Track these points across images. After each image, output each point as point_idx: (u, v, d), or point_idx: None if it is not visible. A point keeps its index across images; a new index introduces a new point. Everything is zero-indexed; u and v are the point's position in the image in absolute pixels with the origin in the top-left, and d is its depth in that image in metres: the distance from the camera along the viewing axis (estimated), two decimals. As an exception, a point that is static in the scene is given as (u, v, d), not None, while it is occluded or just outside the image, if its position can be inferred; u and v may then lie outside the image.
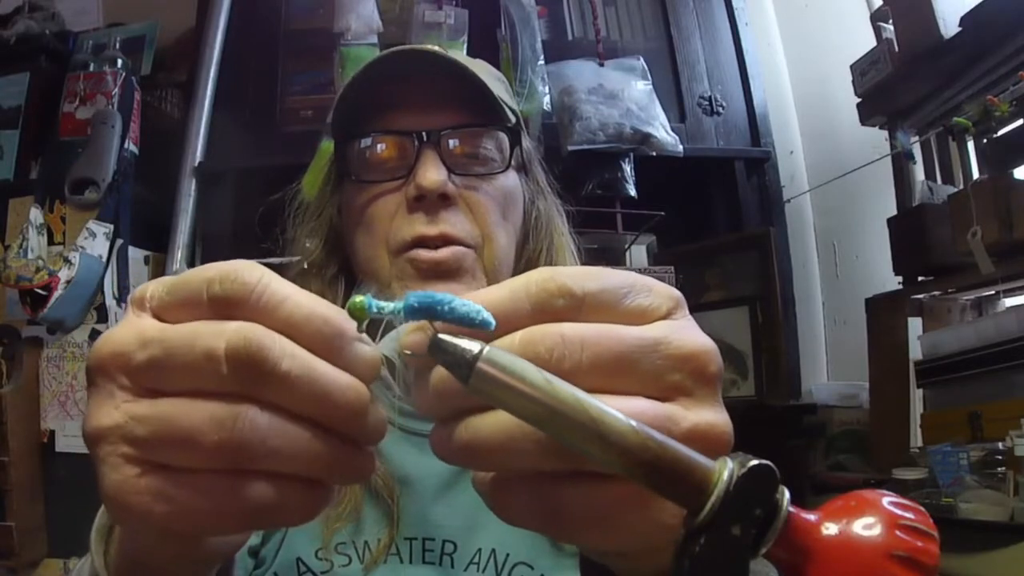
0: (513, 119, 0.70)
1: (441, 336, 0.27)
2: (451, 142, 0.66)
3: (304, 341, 0.29)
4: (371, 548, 0.61)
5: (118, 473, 0.29)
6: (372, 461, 0.33)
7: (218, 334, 0.28)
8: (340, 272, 0.70)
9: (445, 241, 0.63)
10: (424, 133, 0.65)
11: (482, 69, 0.72)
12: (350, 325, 0.30)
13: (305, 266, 0.70)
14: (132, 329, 0.30)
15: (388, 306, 0.30)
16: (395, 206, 0.65)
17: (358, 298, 0.31)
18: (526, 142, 0.74)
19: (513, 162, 0.70)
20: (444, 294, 0.29)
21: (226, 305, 0.29)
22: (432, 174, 0.63)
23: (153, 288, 0.32)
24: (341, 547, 0.61)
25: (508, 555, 0.62)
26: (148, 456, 0.29)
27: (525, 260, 0.71)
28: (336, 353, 0.30)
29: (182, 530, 0.30)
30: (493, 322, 0.29)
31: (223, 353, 0.28)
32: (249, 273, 0.29)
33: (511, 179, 0.70)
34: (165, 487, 0.29)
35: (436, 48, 0.69)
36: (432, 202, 0.63)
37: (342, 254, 0.71)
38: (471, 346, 0.26)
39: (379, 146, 0.68)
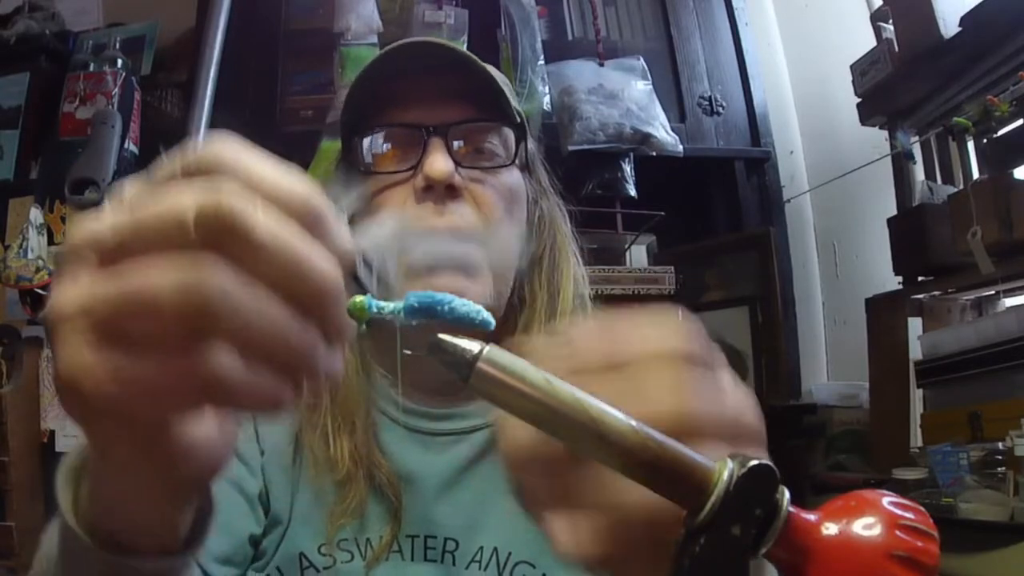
0: (518, 118, 0.71)
1: (441, 336, 0.27)
2: (458, 135, 0.67)
3: (286, 213, 0.27)
4: (373, 545, 0.62)
5: (74, 355, 0.26)
6: (341, 363, 0.30)
7: (193, 196, 0.26)
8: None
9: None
10: (432, 126, 0.65)
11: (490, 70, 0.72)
12: (330, 212, 0.29)
13: None
14: (107, 213, 0.28)
15: (388, 306, 0.30)
16: (403, 197, 0.65)
17: (358, 298, 0.31)
18: (530, 141, 0.75)
19: (517, 160, 0.70)
20: (444, 294, 0.29)
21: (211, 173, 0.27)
22: (440, 164, 0.63)
23: (132, 187, 0.29)
24: (344, 543, 0.61)
25: (510, 554, 0.62)
26: (107, 333, 0.26)
27: (528, 258, 0.71)
28: (313, 226, 0.28)
29: (138, 412, 0.27)
30: (492, 322, 0.29)
31: (193, 213, 0.26)
32: (224, 144, 0.28)
33: (515, 176, 0.70)
34: (121, 363, 0.26)
35: (444, 41, 0.69)
36: (440, 193, 0.64)
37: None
38: (471, 346, 0.26)
39: (388, 139, 0.68)
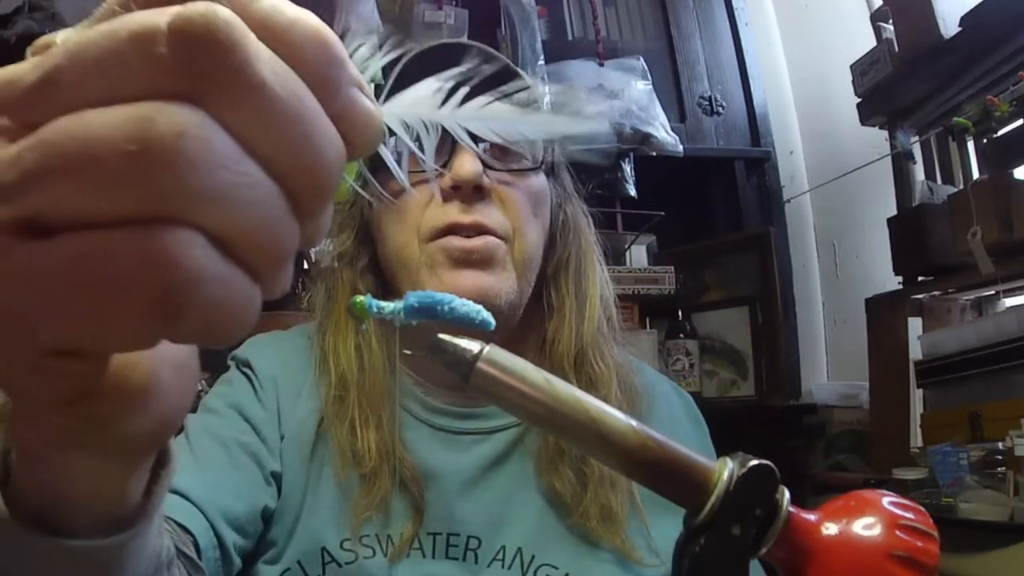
0: None
1: (441, 336, 0.27)
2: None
3: (291, 62, 0.19)
4: (395, 541, 0.62)
5: None
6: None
7: (159, 12, 0.18)
8: (371, 263, 0.71)
9: (478, 230, 0.63)
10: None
11: None
12: (350, 62, 0.21)
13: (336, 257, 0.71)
14: (26, 62, 0.19)
15: (388, 306, 0.30)
16: (429, 196, 0.65)
17: (358, 298, 0.31)
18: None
19: (543, 164, 0.70)
20: (444, 294, 0.29)
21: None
22: (469, 165, 0.63)
23: (68, 31, 0.21)
24: (366, 539, 0.61)
25: (534, 556, 0.62)
26: (20, 211, 0.18)
27: (555, 263, 0.71)
28: (327, 90, 0.20)
29: (66, 336, 0.18)
30: (493, 322, 0.29)
31: (164, 29, 0.17)
32: None
33: (541, 179, 0.70)
34: (32, 261, 0.17)
35: (477, 43, 0.69)
36: (467, 192, 0.64)
37: (373, 246, 0.71)
38: (471, 346, 0.27)
39: (415, 139, 0.68)
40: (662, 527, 0.64)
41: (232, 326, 0.19)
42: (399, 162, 0.26)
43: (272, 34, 0.19)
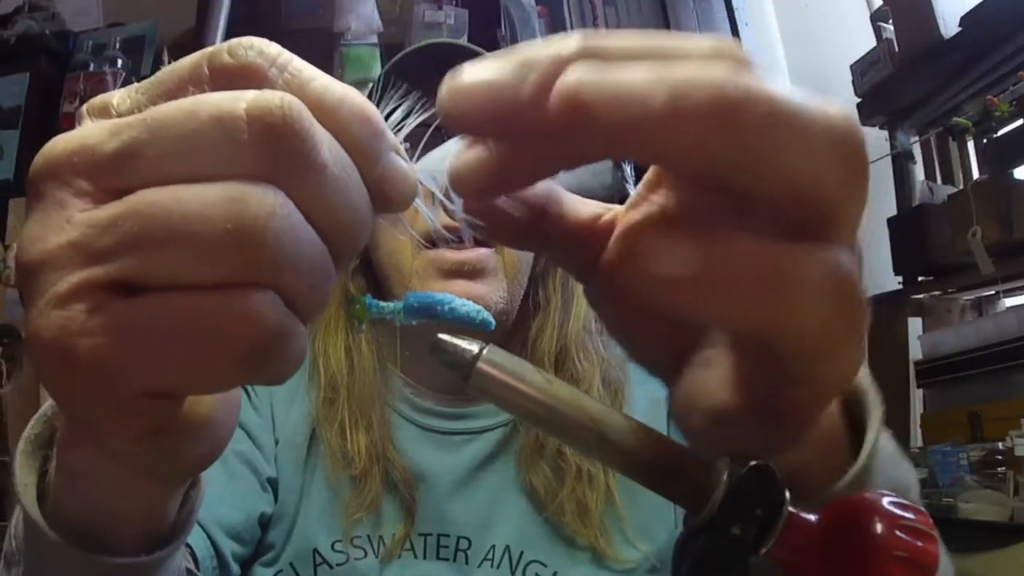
0: None
1: (441, 336, 0.27)
2: None
3: (340, 138, 0.21)
4: (386, 542, 0.62)
5: (60, 311, 0.20)
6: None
7: (235, 98, 0.20)
8: (362, 265, 0.71)
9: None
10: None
11: None
12: (388, 130, 0.23)
13: None
14: (96, 125, 0.21)
15: (388, 306, 0.30)
16: (420, 200, 0.65)
17: (358, 298, 0.31)
18: None
19: None
20: (444, 294, 0.29)
21: (238, 78, 0.21)
22: None
23: (121, 93, 0.22)
24: (357, 540, 0.61)
25: (522, 553, 0.63)
26: (116, 273, 0.19)
27: (544, 262, 0.71)
28: (370, 159, 0.22)
29: (160, 383, 0.21)
30: (493, 322, 0.29)
31: (244, 115, 0.19)
32: (267, 44, 0.21)
33: None
34: (130, 317, 0.19)
35: (465, 43, 0.69)
36: None
37: (364, 249, 0.71)
38: (471, 346, 0.26)
39: (407, 139, 0.68)
40: (640, 519, 0.64)
41: (292, 368, 0.22)
42: None
43: (323, 113, 0.21)
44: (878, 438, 0.32)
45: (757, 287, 0.19)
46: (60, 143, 0.21)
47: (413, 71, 0.68)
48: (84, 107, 0.23)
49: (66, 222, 0.20)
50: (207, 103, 0.20)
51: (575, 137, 0.19)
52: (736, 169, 0.19)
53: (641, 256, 0.20)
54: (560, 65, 0.19)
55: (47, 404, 0.32)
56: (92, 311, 0.19)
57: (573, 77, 0.18)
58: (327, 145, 0.20)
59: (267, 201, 0.19)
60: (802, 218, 0.20)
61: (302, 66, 0.22)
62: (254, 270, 0.19)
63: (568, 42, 0.19)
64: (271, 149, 0.20)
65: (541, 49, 0.19)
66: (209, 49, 0.21)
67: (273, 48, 0.21)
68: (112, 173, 0.20)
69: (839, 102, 0.19)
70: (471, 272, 0.63)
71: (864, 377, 0.33)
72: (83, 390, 0.21)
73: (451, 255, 0.62)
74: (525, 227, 0.25)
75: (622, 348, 0.28)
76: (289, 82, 0.21)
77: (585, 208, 0.26)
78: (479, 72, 0.20)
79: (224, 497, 0.58)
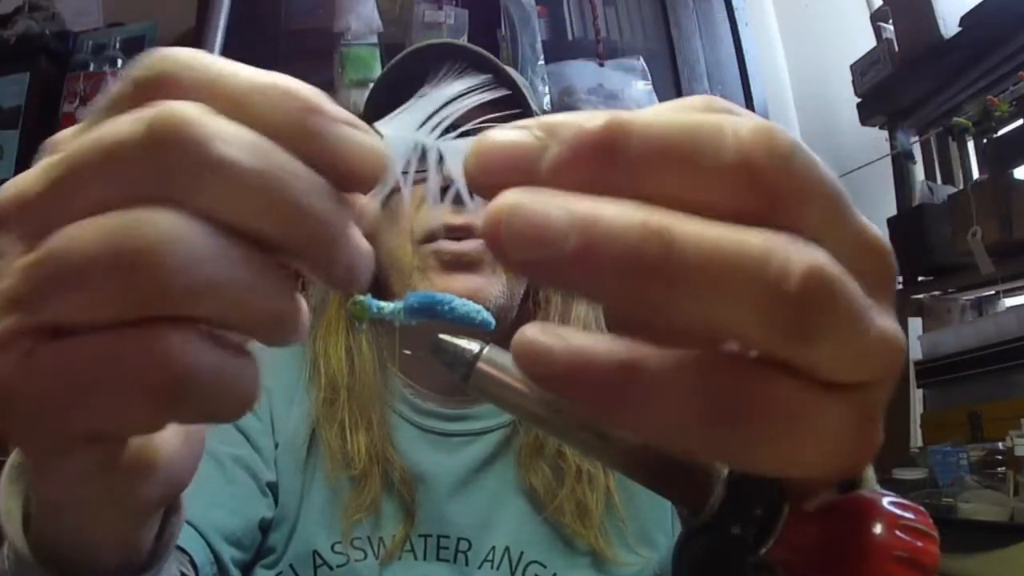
0: None
1: (441, 336, 0.27)
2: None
3: (262, 126, 0.20)
4: (386, 544, 0.62)
5: (3, 357, 0.20)
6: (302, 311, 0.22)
7: (133, 120, 0.19)
8: None
9: (470, 232, 0.63)
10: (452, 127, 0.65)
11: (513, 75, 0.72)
12: (329, 104, 0.21)
13: None
14: (36, 167, 0.21)
15: (388, 306, 0.30)
16: (420, 198, 0.65)
17: (359, 297, 0.31)
18: None
19: None
20: (444, 294, 0.29)
21: (157, 92, 0.20)
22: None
23: (72, 129, 0.22)
24: (357, 542, 0.61)
25: (522, 553, 0.63)
26: (37, 319, 0.20)
27: None
28: (307, 138, 0.20)
29: (90, 424, 0.21)
30: (493, 322, 0.29)
31: (130, 134, 0.19)
32: (185, 52, 0.21)
33: None
34: (61, 359, 0.20)
35: (467, 44, 0.69)
36: (457, 193, 0.64)
37: None
38: (471, 346, 0.26)
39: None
40: (639, 523, 0.64)
41: (231, 404, 0.21)
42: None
43: (232, 104, 0.20)
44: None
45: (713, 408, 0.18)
46: (6, 190, 0.21)
47: (413, 71, 0.69)
48: (44, 144, 0.23)
49: (4, 270, 0.20)
50: (106, 130, 0.19)
51: (497, 254, 0.18)
52: (652, 313, 0.18)
53: None
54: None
55: None
56: (25, 355, 0.20)
57: (496, 205, 0.18)
58: (232, 141, 0.19)
59: (156, 226, 0.18)
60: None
61: (211, 64, 0.20)
62: (156, 303, 0.18)
63: (593, 121, 0.18)
64: (159, 163, 0.18)
65: (566, 124, 0.19)
66: (133, 68, 0.21)
67: (185, 54, 0.20)
68: (41, 216, 0.20)
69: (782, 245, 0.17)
70: (470, 264, 0.63)
71: None
72: (27, 431, 0.21)
73: (450, 246, 0.62)
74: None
75: None
76: (197, 83, 0.20)
77: None
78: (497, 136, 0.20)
79: (222, 503, 0.58)
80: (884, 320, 0.20)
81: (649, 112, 0.19)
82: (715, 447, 0.19)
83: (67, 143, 0.21)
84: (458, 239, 0.63)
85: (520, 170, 0.19)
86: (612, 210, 0.17)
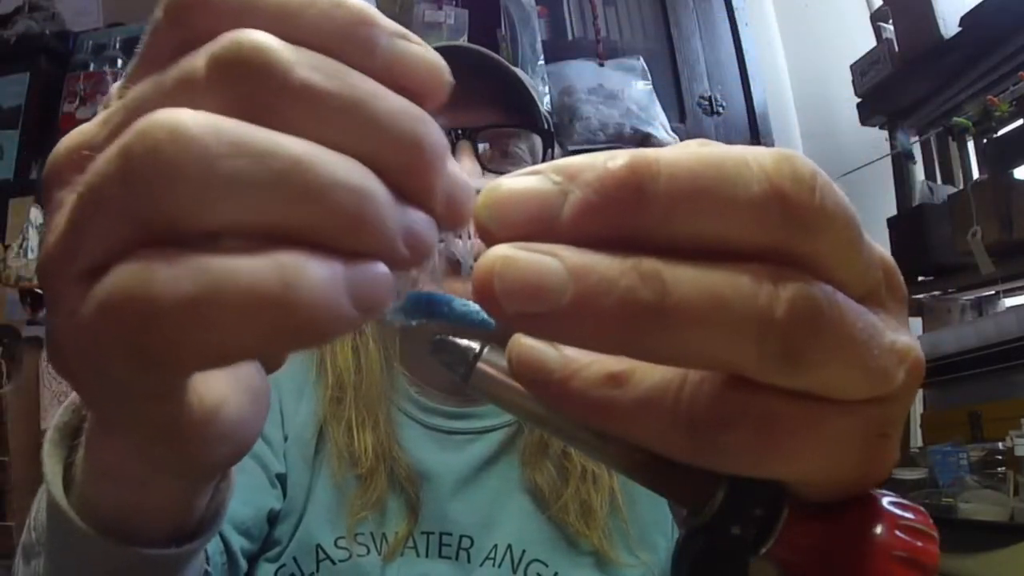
0: (546, 124, 0.71)
1: (441, 336, 0.27)
2: (486, 140, 0.67)
3: (317, 44, 0.18)
4: (389, 540, 0.62)
5: (126, 267, 0.17)
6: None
7: (198, 55, 0.18)
8: None
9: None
10: (460, 129, 0.65)
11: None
12: (380, 15, 0.20)
13: None
14: (93, 119, 0.20)
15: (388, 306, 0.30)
16: None
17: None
18: (556, 148, 0.75)
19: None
20: (444, 294, 0.29)
21: (196, 19, 0.19)
22: (468, 166, 0.63)
23: (121, 81, 0.21)
24: (360, 537, 0.62)
25: (524, 552, 0.63)
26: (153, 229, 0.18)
27: None
28: (367, 52, 0.19)
29: (201, 346, 0.17)
30: (493, 322, 0.29)
31: (204, 70, 0.17)
32: None
33: None
34: (193, 270, 0.17)
35: (479, 47, 0.69)
36: None
37: None
38: (471, 346, 0.26)
39: None
40: (639, 527, 0.64)
41: (340, 322, 0.18)
42: None
43: (282, 23, 0.18)
44: None
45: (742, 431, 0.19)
46: (61, 143, 0.20)
47: None
48: (108, 95, 0.21)
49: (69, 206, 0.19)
50: (169, 75, 0.18)
51: (490, 311, 0.18)
52: (649, 357, 0.19)
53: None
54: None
55: (76, 394, 0.31)
56: (150, 263, 0.17)
57: (487, 261, 0.18)
58: (301, 63, 0.18)
59: (291, 144, 0.17)
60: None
61: None
62: (288, 215, 0.17)
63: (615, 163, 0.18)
64: (236, 93, 0.17)
65: (587, 168, 0.18)
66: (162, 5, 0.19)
67: None
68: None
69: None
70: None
71: None
72: (129, 361, 0.18)
73: (454, 250, 0.62)
74: None
75: None
76: (240, 4, 0.18)
77: None
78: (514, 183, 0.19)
79: (234, 493, 0.58)
80: (898, 336, 0.20)
81: (668, 151, 0.18)
82: (704, 454, 0.20)
83: (125, 95, 0.20)
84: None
85: (540, 220, 0.18)
86: (603, 259, 0.17)
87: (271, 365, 0.28)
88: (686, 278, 0.17)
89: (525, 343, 0.19)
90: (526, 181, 0.19)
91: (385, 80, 0.19)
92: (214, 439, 0.24)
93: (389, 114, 0.19)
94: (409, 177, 0.19)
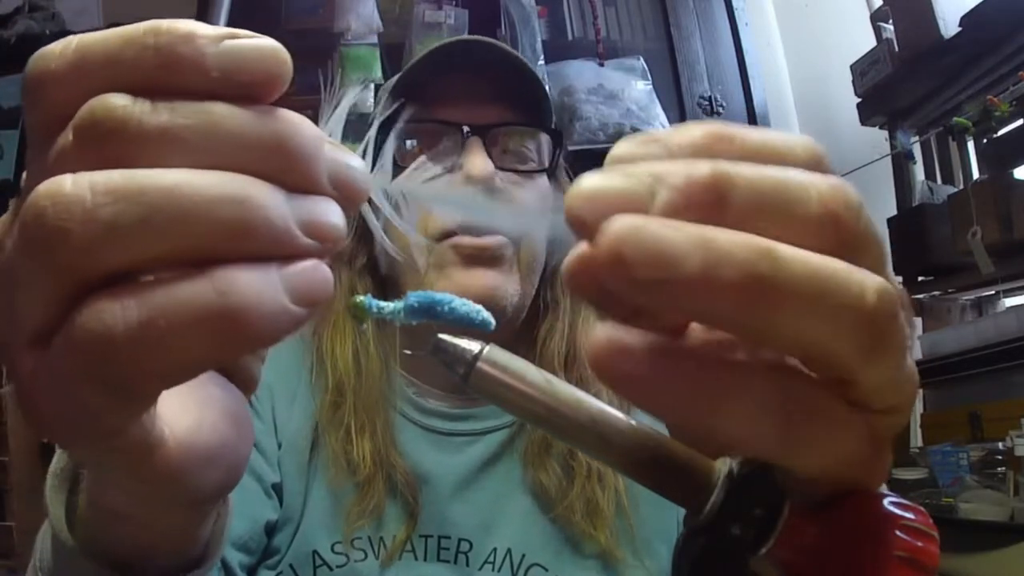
0: (555, 123, 0.71)
1: (441, 336, 0.27)
2: (496, 138, 0.67)
3: (148, 75, 0.20)
4: (387, 544, 0.62)
5: (100, 307, 0.19)
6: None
7: (66, 131, 0.21)
8: (369, 262, 0.70)
9: (490, 230, 0.63)
10: (472, 126, 0.65)
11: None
12: (202, 27, 0.21)
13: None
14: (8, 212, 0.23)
15: (388, 306, 0.30)
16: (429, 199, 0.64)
17: (358, 298, 0.31)
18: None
19: (551, 166, 0.70)
20: (444, 294, 0.29)
21: (45, 92, 0.22)
22: (481, 163, 0.63)
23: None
24: (358, 542, 0.61)
25: (524, 555, 0.62)
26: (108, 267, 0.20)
27: (554, 263, 0.71)
28: (198, 68, 0.20)
29: (160, 367, 0.20)
30: (493, 322, 0.29)
31: (72, 141, 0.20)
32: (50, 47, 0.22)
33: (545, 182, 0.70)
34: (148, 303, 0.19)
35: (493, 40, 0.69)
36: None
37: (371, 245, 0.70)
38: (471, 346, 0.26)
39: (425, 135, 0.67)
40: (642, 531, 0.64)
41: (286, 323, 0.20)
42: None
43: (117, 72, 0.21)
44: None
45: (748, 415, 0.20)
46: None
47: (433, 68, 0.68)
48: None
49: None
50: (48, 155, 0.21)
51: (616, 280, 0.19)
52: (757, 334, 0.20)
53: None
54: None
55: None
56: (111, 301, 0.19)
57: (618, 227, 0.19)
58: (149, 111, 0.19)
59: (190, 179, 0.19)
60: (821, 375, 0.21)
61: (74, 41, 0.21)
62: (220, 245, 0.19)
63: (699, 168, 0.20)
64: (104, 155, 0.19)
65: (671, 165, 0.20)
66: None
67: (50, 48, 0.21)
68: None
69: (877, 275, 0.20)
70: (491, 260, 0.63)
71: None
72: (97, 395, 0.20)
73: (470, 241, 0.62)
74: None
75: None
76: (74, 63, 0.21)
77: None
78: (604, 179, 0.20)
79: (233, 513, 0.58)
80: (911, 357, 0.23)
81: (746, 167, 0.20)
82: (761, 441, 0.21)
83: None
84: (478, 234, 0.63)
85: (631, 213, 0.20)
86: (723, 233, 0.19)
87: (244, 382, 0.29)
88: (796, 256, 0.19)
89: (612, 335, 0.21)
90: (619, 178, 0.20)
91: (226, 85, 0.20)
92: (198, 464, 0.25)
93: (243, 127, 0.20)
94: (287, 175, 0.20)
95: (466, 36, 0.70)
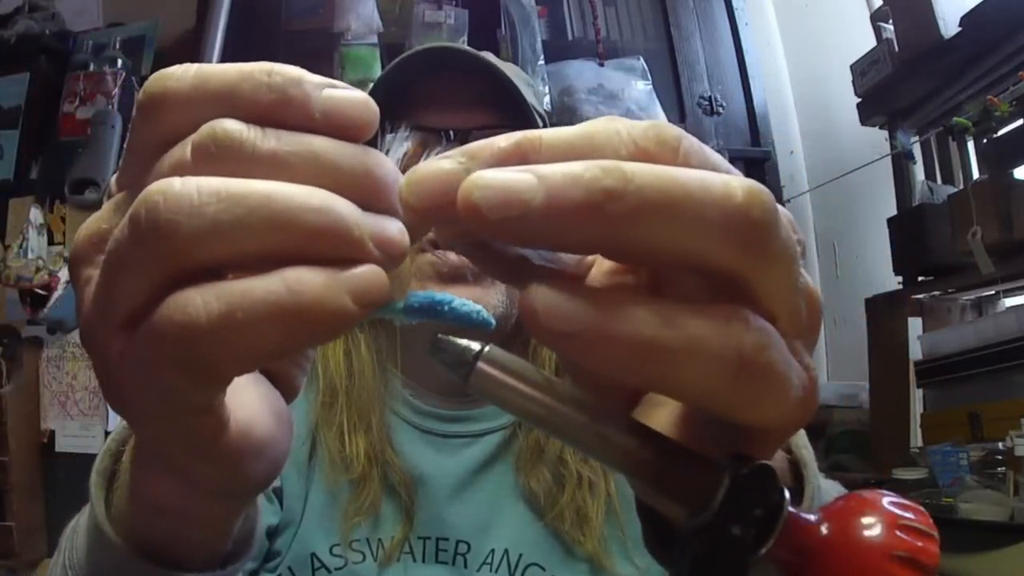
0: (541, 123, 0.71)
1: (441, 336, 0.27)
2: (477, 141, 0.66)
3: (261, 111, 0.23)
4: (385, 546, 0.62)
5: (185, 298, 0.22)
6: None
7: (184, 144, 0.22)
8: None
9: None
10: (453, 130, 0.65)
11: (512, 72, 0.72)
12: (308, 75, 0.24)
13: None
14: (105, 206, 0.25)
15: (388, 306, 0.30)
16: None
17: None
18: None
19: None
20: (444, 294, 0.29)
21: (159, 111, 0.23)
22: None
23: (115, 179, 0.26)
24: (356, 544, 0.61)
25: (521, 556, 0.62)
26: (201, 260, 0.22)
27: None
28: (304, 109, 0.23)
29: (237, 355, 0.22)
30: (493, 322, 0.29)
31: (190, 154, 0.22)
32: (169, 69, 0.24)
33: None
34: (235, 297, 0.21)
35: (468, 48, 0.69)
36: None
37: None
38: (471, 346, 0.26)
39: (407, 142, 0.67)
40: (638, 529, 0.64)
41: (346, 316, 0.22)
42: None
43: (233, 103, 0.23)
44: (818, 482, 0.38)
45: (637, 349, 0.21)
46: (81, 231, 0.25)
47: (413, 73, 0.69)
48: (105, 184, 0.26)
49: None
50: (163, 163, 0.23)
51: (480, 230, 0.21)
52: (630, 251, 0.21)
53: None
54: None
55: (112, 438, 0.37)
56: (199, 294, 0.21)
57: (465, 183, 0.20)
58: (262, 137, 0.22)
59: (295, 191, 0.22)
60: (713, 285, 0.22)
61: (192, 70, 0.23)
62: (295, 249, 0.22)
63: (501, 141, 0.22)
64: (216, 171, 0.22)
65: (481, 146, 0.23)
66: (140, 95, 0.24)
67: (170, 71, 0.23)
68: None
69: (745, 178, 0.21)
70: (467, 276, 0.63)
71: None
72: (172, 382, 0.22)
73: (447, 259, 0.62)
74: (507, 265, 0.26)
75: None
76: (189, 92, 0.23)
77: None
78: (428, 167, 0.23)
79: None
80: (806, 274, 0.24)
81: (548, 132, 0.22)
82: (734, 397, 0.22)
83: (122, 181, 0.25)
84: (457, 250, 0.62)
85: (446, 194, 0.22)
86: (567, 163, 0.20)
87: (286, 389, 0.31)
88: (645, 170, 0.20)
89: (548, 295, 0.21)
90: (438, 163, 0.22)
91: (324, 124, 0.23)
92: (250, 454, 0.27)
93: (338, 158, 0.23)
94: (370, 199, 0.23)
95: (443, 44, 0.71)
